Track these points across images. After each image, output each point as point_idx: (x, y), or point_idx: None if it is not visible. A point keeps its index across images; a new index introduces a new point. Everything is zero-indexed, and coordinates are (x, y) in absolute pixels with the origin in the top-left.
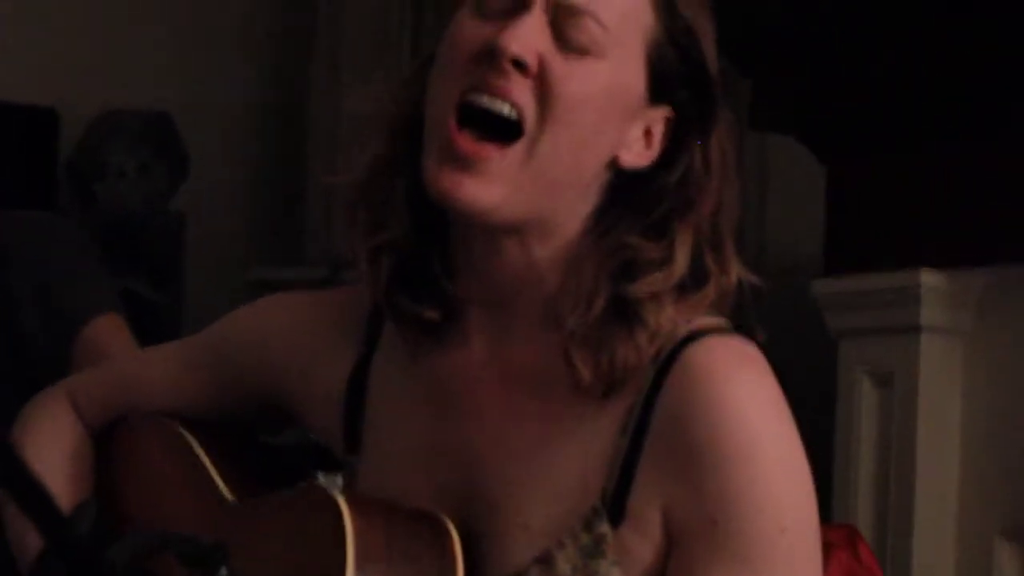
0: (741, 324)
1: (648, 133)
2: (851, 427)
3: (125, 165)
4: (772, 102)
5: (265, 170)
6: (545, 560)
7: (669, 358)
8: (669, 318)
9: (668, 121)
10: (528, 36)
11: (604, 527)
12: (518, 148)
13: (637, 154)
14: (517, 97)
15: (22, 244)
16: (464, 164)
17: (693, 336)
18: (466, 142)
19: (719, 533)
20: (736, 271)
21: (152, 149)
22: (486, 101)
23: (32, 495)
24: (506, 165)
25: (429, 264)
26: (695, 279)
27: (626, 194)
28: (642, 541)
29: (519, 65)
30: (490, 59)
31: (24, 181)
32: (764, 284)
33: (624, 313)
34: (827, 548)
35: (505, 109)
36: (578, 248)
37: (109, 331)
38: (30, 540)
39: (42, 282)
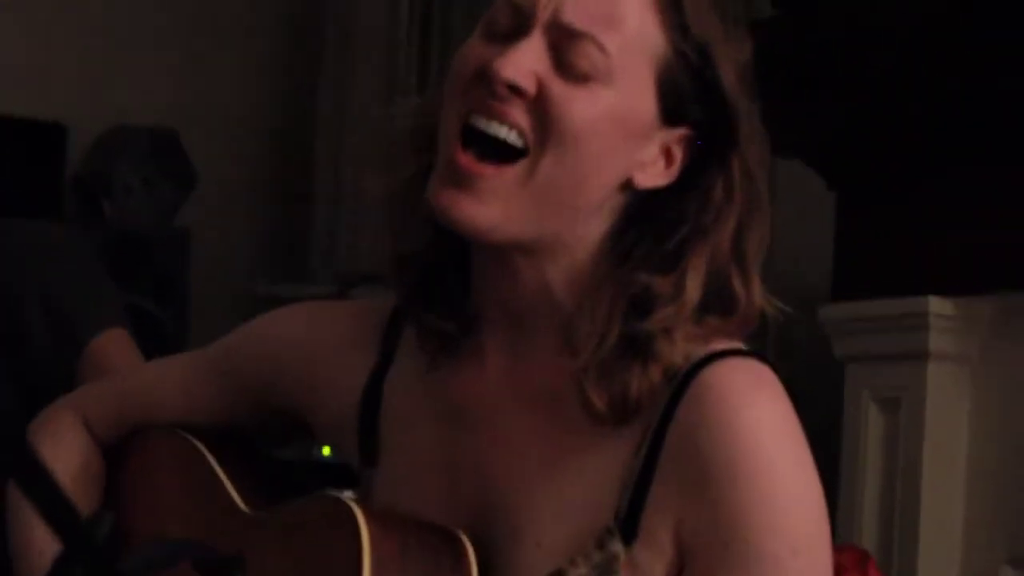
0: (757, 348)
1: (668, 153)
2: (857, 452)
3: (132, 181)
4: (782, 127)
5: (271, 187)
6: None
7: (685, 380)
8: (683, 348)
9: (688, 141)
10: (523, 60)
11: (617, 546)
12: (517, 168)
13: (655, 175)
14: (515, 119)
15: (31, 255)
16: (462, 182)
17: (709, 358)
18: (466, 161)
19: (731, 554)
20: (759, 298)
21: (159, 165)
22: (483, 124)
23: (51, 500)
24: (503, 184)
25: (448, 279)
26: (714, 304)
27: (644, 215)
28: (654, 561)
29: (514, 89)
30: (487, 82)
31: (31, 195)
32: (772, 308)
33: (637, 347)
34: (838, 570)
35: (503, 132)
36: (593, 271)
37: (116, 345)
38: (36, 544)
39: (50, 294)
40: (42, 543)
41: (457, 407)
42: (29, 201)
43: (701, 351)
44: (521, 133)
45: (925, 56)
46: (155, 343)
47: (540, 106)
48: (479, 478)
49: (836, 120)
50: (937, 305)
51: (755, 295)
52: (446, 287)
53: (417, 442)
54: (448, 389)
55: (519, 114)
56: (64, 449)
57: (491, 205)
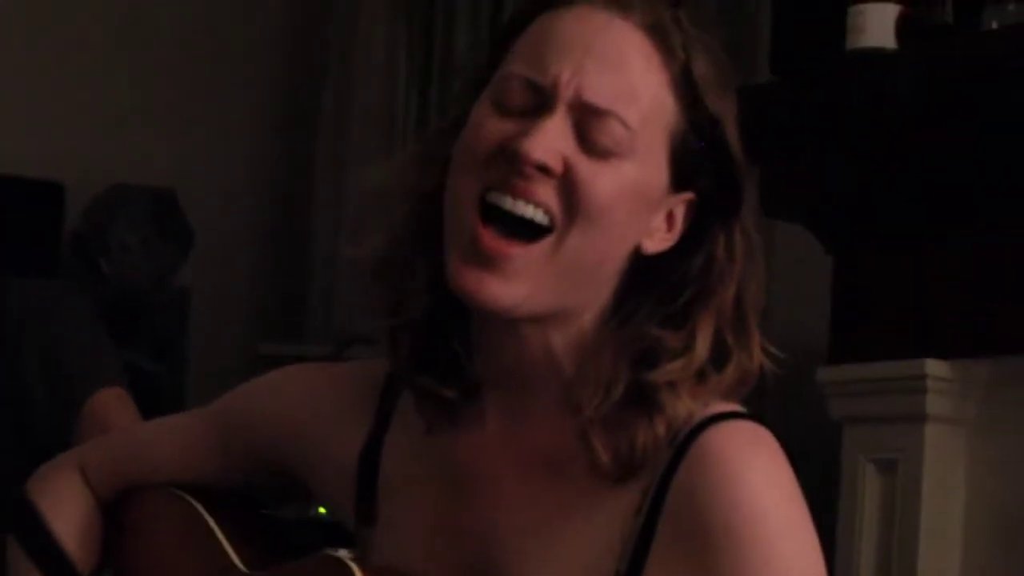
0: (755, 410)
1: (670, 217)
2: (854, 514)
3: (129, 240)
4: (780, 190)
5: (269, 247)
6: None
7: (685, 442)
8: (687, 403)
9: (691, 205)
10: (552, 140)
11: None
12: (544, 245)
13: (660, 240)
14: (542, 198)
15: (31, 312)
16: (488, 262)
17: (709, 420)
18: (491, 240)
19: None
20: (759, 356)
21: (157, 225)
22: (509, 203)
23: (52, 557)
24: (530, 262)
25: (448, 344)
26: (715, 362)
27: (646, 279)
28: None
29: (543, 169)
30: (512, 161)
31: (29, 254)
32: (769, 370)
33: (643, 400)
34: None
35: (529, 211)
36: (596, 335)
37: (114, 404)
38: None
39: (50, 351)
40: None
41: (457, 472)
42: (27, 260)
43: (702, 413)
44: (548, 211)
45: (922, 120)
46: (152, 401)
47: (567, 184)
48: (478, 542)
49: (833, 183)
50: (934, 368)
51: (755, 352)
52: (446, 354)
53: (416, 506)
54: (448, 453)
55: (546, 192)
56: (64, 506)
57: (518, 284)
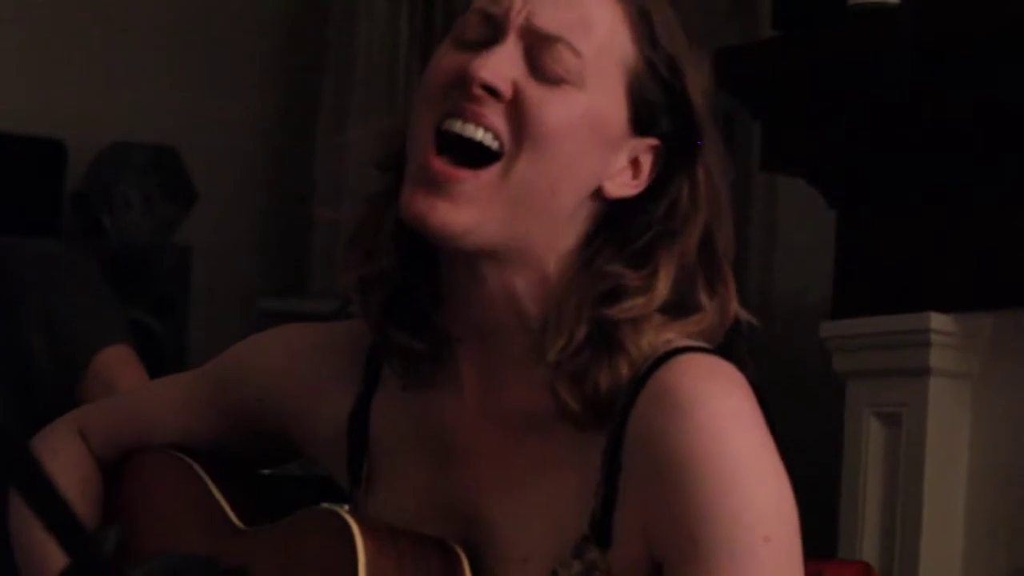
0: (730, 353)
1: (635, 163)
2: (858, 468)
3: (131, 197)
4: (782, 145)
5: (271, 203)
6: None
7: (644, 377)
8: (650, 343)
9: (656, 152)
10: (500, 64)
11: (594, 553)
12: (492, 171)
13: (623, 184)
14: (491, 122)
15: (33, 273)
16: (437, 187)
17: (666, 356)
18: (441, 166)
19: (701, 548)
20: (735, 304)
21: (158, 182)
22: (459, 127)
23: (57, 513)
24: (479, 187)
25: (417, 296)
26: (684, 307)
27: (611, 224)
28: (633, 563)
29: (491, 91)
30: (462, 86)
31: (31, 212)
32: (772, 325)
33: (604, 339)
34: None
35: (479, 134)
36: (559, 280)
37: (120, 362)
38: (42, 558)
39: (52, 312)
40: (45, 550)
41: (439, 433)
42: (29, 218)
43: (660, 350)
44: (497, 135)
45: (926, 74)
46: (155, 359)
47: (516, 109)
48: (464, 501)
49: (836, 138)
50: (938, 321)
51: (730, 299)
52: (415, 305)
53: (404, 465)
54: (431, 414)
55: (495, 116)
56: (62, 464)
57: (467, 209)
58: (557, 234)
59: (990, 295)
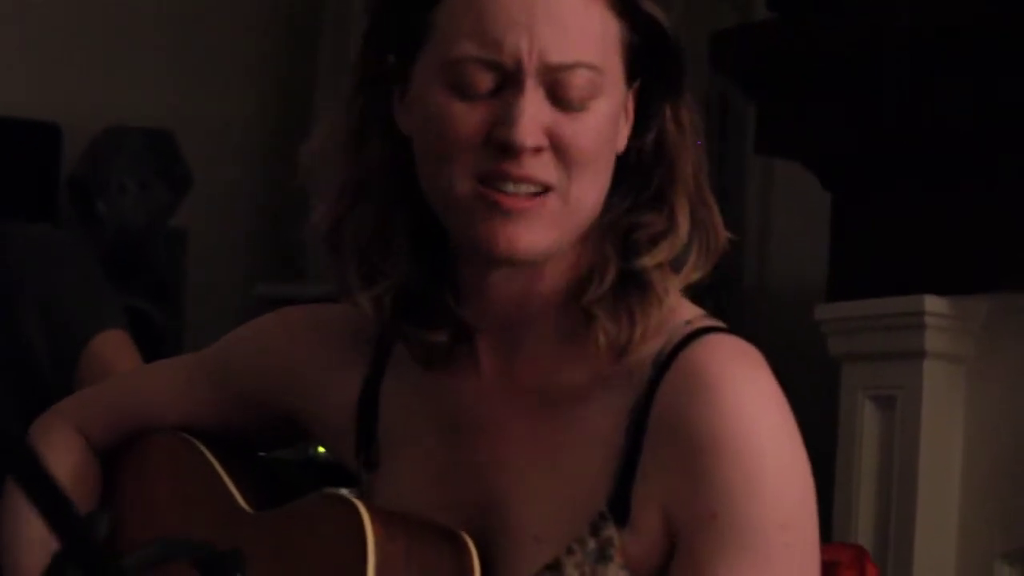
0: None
1: (626, 110)
2: (853, 450)
3: (127, 182)
4: (778, 127)
5: (267, 187)
6: (554, 567)
7: (669, 357)
8: (674, 283)
9: (638, 91)
10: (533, 121)
11: (610, 530)
12: (552, 198)
13: (624, 136)
14: (540, 175)
15: (29, 259)
16: (516, 218)
17: (693, 336)
18: (510, 200)
19: (719, 526)
20: (722, 231)
21: (154, 166)
22: (512, 187)
23: (49, 497)
24: (549, 213)
25: (434, 294)
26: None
27: (617, 176)
28: (648, 542)
29: (536, 150)
30: (504, 151)
31: (26, 196)
32: (767, 308)
33: (635, 284)
34: (835, 568)
35: (532, 189)
36: (585, 247)
37: (115, 347)
38: (26, 536)
39: (47, 297)
40: (31, 535)
41: (455, 413)
42: (24, 202)
43: (685, 329)
44: (545, 181)
45: (922, 56)
46: (151, 344)
47: (556, 151)
48: (478, 479)
49: (832, 120)
50: (933, 304)
51: (718, 225)
52: (432, 304)
53: (415, 446)
54: (445, 396)
55: (541, 170)
56: (54, 451)
57: (546, 233)
58: (593, 215)
59: (985, 278)
